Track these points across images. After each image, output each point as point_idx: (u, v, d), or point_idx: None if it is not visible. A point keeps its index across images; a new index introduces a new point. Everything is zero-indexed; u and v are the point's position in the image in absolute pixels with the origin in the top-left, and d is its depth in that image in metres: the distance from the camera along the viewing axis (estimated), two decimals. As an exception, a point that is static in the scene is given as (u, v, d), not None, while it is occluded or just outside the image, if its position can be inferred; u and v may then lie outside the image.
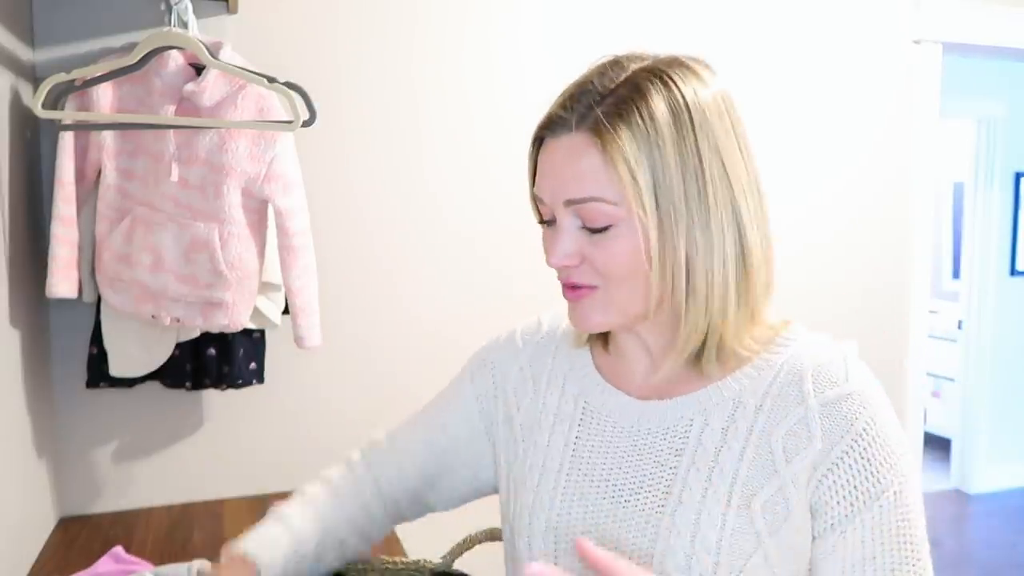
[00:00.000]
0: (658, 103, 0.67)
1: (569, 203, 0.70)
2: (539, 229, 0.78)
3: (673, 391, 0.77)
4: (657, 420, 0.76)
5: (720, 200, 0.69)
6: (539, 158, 0.73)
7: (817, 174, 2.04)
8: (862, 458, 0.68)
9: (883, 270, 2.13)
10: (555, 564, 0.77)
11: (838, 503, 0.68)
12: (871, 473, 0.68)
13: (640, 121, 0.67)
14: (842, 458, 0.68)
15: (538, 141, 0.74)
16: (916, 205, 2.14)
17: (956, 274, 4.53)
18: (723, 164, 0.69)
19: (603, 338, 0.84)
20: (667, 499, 0.72)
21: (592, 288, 0.72)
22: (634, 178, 0.67)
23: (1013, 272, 3.88)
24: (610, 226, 0.69)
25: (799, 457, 0.69)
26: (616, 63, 0.71)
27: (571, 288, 0.74)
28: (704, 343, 0.73)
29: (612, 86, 0.69)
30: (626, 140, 0.66)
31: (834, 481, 0.68)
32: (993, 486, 3.96)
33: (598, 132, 0.67)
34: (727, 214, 0.69)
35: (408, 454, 0.92)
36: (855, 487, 0.68)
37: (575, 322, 0.76)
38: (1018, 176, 3.84)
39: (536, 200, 0.75)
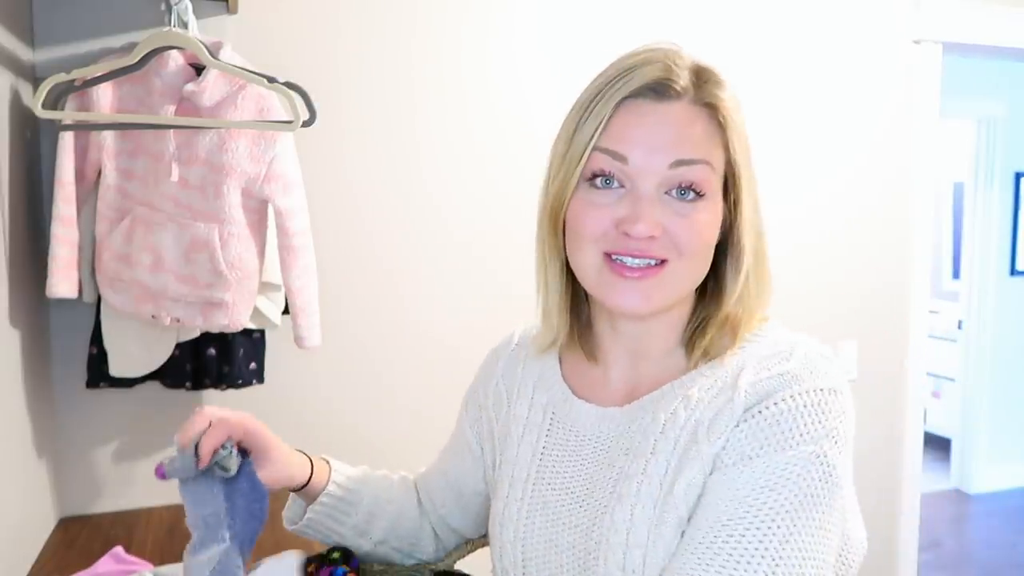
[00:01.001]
0: (731, 90, 0.72)
1: (678, 164, 0.68)
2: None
3: (634, 395, 0.77)
4: (615, 425, 0.76)
5: (757, 191, 0.74)
6: (626, 119, 0.69)
7: (817, 174, 2.03)
8: (759, 425, 0.66)
9: (883, 270, 2.13)
10: (523, 574, 0.78)
11: (716, 456, 0.67)
12: (756, 439, 0.65)
13: (730, 101, 0.71)
14: (743, 422, 0.67)
15: (618, 102, 0.70)
16: (916, 205, 2.14)
17: (956, 274, 4.53)
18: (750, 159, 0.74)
19: (584, 347, 0.82)
20: (610, 498, 0.71)
21: (660, 265, 0.69)
22: (737, 149, 0.71)
23: (1013, 272, 3.88)
24: (703, 195, 0.69)
25: (721, 438, 0.67)
26: (678, 51, 0.73)
27: (630, 267, 0.69)
28: (708, 330, 0.74)
29: (695, 67, 0.72)
30: (732, 115, 0.71)
31: (727, 439, 0.67)
32: (993, 486, 3.96)
33: (711, 102, 0.70)
34: (759, 204, 0.74)
35: (435, 486, 0.96)
36: (736, 445, 0.66)
37: (628, 304, 0.70)
38: (1018, 176, 3.84)
39: (608, 156, 0.69)
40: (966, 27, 2.13)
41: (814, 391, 0.67)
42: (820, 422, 0.65)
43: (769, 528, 0.62)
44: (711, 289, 0.76)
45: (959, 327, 4.01)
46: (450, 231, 1.72)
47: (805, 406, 0.66)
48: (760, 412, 0.66)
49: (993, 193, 3.82)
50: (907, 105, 2.10)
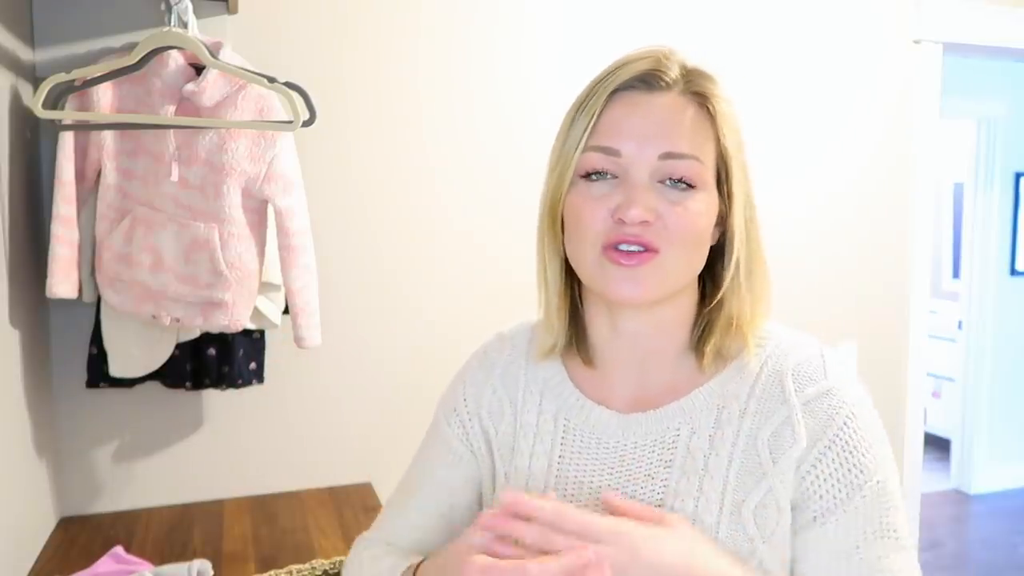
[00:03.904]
0: (722, 86, 0.73)
1: (667, 156, 0.69)
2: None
3: (656, 402, 0.75)
4: (643, 433, 0.74)
5: (751, 191, 0.75)
6: (617, 111, 0.71)
7: (817, 174, 2.03)
8: (844, 451, 0.69)
9: (883, 270, 2.13)
10: None
11: (822, 496, 0.69)
12: (854, 464, 0.69)
13: (721, 93, 0.73)
14: (825, 452, 0.69)
15: (609, 95, 0.71)
16: (916, 205, 2.14)
17: (956, 274, 4.53)
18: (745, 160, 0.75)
19: (582, 352, 0.80)
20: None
21: (653, 253, 0.69)
22: (728, 140, 0.72)
23: (1013, 272, 3.88)
24: (695, 187, 0.70)
25: (785, 456, 0.69)
26: (670, 50, 0.74)
27: (627, 253, 0.69)
28: (715, 331, 0.75)
29: (685, 63, 0.73)
30: (723, 106, 0.72)
31: (818, 475, 0.69)
32: (993, 486, 3.96)
33: (702, 95, 0.72)
34: (752, 197, 0.75)
35: (420, 529, 0.85)
36: (838, 479, 0.69)
37: (625, 291, 0.70)
38: (1018, 176, 3.84)
39: (601, 154, 0.71)
40: (966, 27, 2.13)
41: (862, 402, 0.72)
42: (880, 427, 0.72)
43: (889, 545, 0.69)
44: (710, 288, 0.77)
45: (959, 327, 4.01)
46: (451, 230, 1.72)
47: (866, 420, 0.71)
48: (839, 435, 0.69)
49: (993, 193, 3.82)
50: (907, 105, 2.10)
